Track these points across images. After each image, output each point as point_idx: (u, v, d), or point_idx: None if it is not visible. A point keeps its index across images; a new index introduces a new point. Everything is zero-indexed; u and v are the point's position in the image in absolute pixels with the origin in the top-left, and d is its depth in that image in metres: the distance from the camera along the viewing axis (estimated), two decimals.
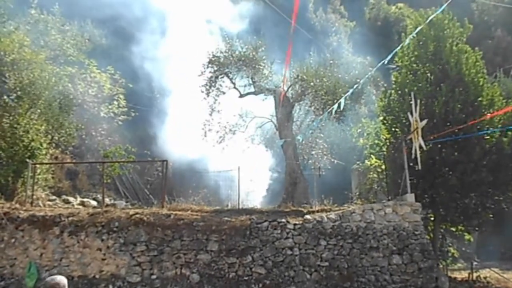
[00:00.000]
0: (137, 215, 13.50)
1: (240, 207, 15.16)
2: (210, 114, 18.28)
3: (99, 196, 18.83)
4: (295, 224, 13.33)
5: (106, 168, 18.23)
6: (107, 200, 19.05)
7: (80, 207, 17.41)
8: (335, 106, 13.92)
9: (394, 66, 19.18)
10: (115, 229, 13.23)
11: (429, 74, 16.68)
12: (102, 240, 13.12)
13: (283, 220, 13.41)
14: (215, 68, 18.18)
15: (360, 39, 37.16)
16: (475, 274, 17.99)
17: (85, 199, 19.85)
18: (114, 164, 19.05)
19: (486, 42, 36.43)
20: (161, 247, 12.96)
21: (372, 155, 20.04)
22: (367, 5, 46.92)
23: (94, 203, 19.27)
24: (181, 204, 15.10)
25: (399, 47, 10.50)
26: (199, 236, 13.04)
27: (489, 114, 15.43)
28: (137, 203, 19.81)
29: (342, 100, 13.39)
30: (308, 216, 13.65)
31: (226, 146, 18.21)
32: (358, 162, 22.19)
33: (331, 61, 18.52)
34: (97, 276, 12.75)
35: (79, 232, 13.19)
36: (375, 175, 19.61)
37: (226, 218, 13.46)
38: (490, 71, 20.98)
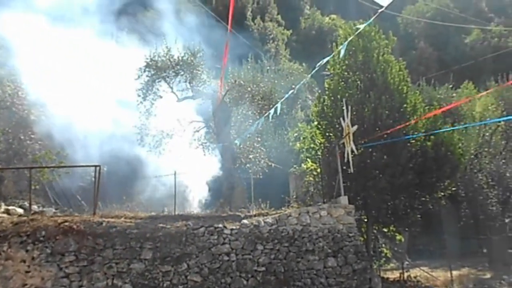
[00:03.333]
0: (66, 223, 12.85)
1: (177, 212, 14.96)
2: (147, 118, 17.94)
3: (27, 203, 17.84)
4: (232, 229, 13.34)
5: (34, 173, 17.30)
6: (35, 207, 18.03)
7: (4, 215, 16.36)
8: (272, 110, 14.20)
9: (328, 73, 19.89)
10: (41, 238, 12.50)
11: (359, 82, 17.52)
12: (27, 250, 12.33)
13: (220, 225, 13.39)
14: (153, 72, 17.90)
15: (296, 47, 38.24)
16: (406, 274, 18.85)
17: (10, 207, 18.62)
18: (44, 169, 18.13)
19: (410, 52, 38.82)
20: (92, 257, 12.42)
21: (308, 159, 20.59)
22: (302, 15, 48.34)
23: (20, 211, 18.14)
24: (115, 210, 14.63)
25: (329, 57, 10.95)
26: (133, 244, 12.67)
27: (413, 120, 16.44)
28: (68, 210, 18.95)
29: (278, 105, 13.67)
30: (245, 221, 13.73)
31: (163, 151, 17.92)
32: (295, 166, 22.69)
33: (268, 67, 18.85)
34: None
35: (1, 243, 12.33)
36: (311, 178, 20.16)
37: (161, 225, 13.20)
38: (414, 79, 22.33)
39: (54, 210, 17.98)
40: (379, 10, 9.70)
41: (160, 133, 17.95)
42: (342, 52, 14.45)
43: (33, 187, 16.56)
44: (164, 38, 19.61)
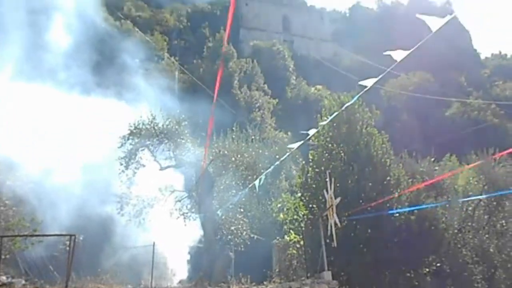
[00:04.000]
0: None
1: (154, 286, 14.30)
2: (128, 187, 17.66)
3: None
4: None
5: (6, 242, 16.58)
6: (3, 278, 17.12)
7: None
8: (256, 182, 14.10)
9: (313, 144, 20.05)
10: None
11: (342, 154, 17.68)
12: None
13: None
14: (136, 141, 17.88)
15: (282, 116, 38.97)
16: None
17: None
18: (16, 238, 17.42)
19: (393, 124, 39.75)
20: None
21: (291, 231, 20.19)
22: (288, 85, 49.80)
23: None
24: (88, 283, 13.96)
25: (312, 134, 11.06)
26: None
27: (397, 193, 16.44)
28: (38, 281, 18.04)
29: (261, 177, 13.60)
30: None
31: (143, 220, 17.47)
32: (278, 238, 22.21)
33: (253, 137, 19.00)
34: None
35: None
36: (294, 251, 19.64)
37: None
38: (397, 151, 22.61)
39: (23, 282, 17.08)
40: (368, 85, 9.85)
41: (141, 202, 17.60)
42: (323, 123, 14.65)
43: (3, 257, 15.81)
44: (148, 105, 19.84)
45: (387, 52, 8.82)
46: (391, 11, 73.15)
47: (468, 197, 19.55)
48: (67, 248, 15.22)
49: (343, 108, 13.66)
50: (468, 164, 21.41)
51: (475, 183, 21.45)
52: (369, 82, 9.32)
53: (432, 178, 19.51)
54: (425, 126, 42.88)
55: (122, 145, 17.80)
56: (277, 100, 42.77)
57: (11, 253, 18.31)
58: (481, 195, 19.49)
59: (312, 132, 11.42)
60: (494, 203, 20.41)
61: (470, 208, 20.80)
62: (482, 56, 74.29)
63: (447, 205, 19.49)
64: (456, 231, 20.45)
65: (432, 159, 22.79)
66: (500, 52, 74.19)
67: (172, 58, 47.77)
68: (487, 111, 46.39)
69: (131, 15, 55.37)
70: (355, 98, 13.10)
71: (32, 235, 18.11)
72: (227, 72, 39.62)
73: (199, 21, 57.90)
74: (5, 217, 18.78)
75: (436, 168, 22.42)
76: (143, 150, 17.91)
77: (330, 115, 18.16)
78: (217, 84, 10.61)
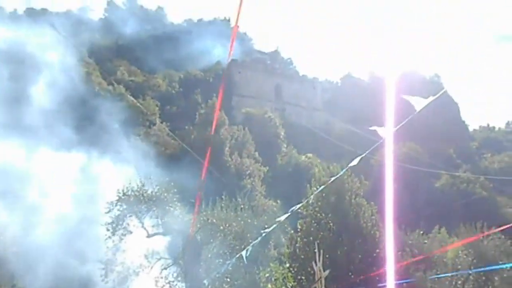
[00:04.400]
0: None
1: None
2: (114, 254, 17.35)
3: None
4: None
5: None
6: None
7: None
8: (243, 252, 13.89)
9: (302, 213, 20.00)
10: None
11: (331, 224, 17.64)
12: None
13: None
14: (124, 207, 17.84)
15: (273, 183, 38.95)
16: None
17: None
18: None
19: (383, 194, 39.80)
20: None
21: None
22: (279, 152, 50.24)
23: None
24: None
25: (300, 205, 11.13)
26: None
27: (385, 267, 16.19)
28: None
29: (249, 248, 13.42)
30: None
31: None
32: None
33: (242, 206, 18.96)
34: None
35: None
36: None
37: None
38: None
39: None
40: (351, 164, 10.05)
41: (126, 269, 17.22)
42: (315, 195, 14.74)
43: None
44: (138, 171, 19.96)
45: (373, 127, 9.12)
46: (382, 82, 75.40)
47: (457, 270, 19.30)
48: None
49: (330, 181, 13.78)
50: (457, 237, 21.36)
51: (464, 256, 21.28)
52: (357, 160, 9.53)
53: (422, 251, 19.39)
54: (415, 197, 43.05)
55: (109, 210, 17.74)
56: (267, 167, 43.05)
57: None
58: (470, 269, 19.26)
59: (299, 204, 11.47)
60: (483, 278, 20.13)
61: (459, 282, 20.48)
62: (471, 128, 75.97)
63: (436, 279, 19.20)
64: None
65: (421, 232, 22.73)
66: (488, 125, 76.24)
67: (164, 124, 48.37)
68: (476, 184, 46.81)
69: (124, 80, 56.72)
70: (343, 171, 13.30)
71: None
72: (218, 139, 40.06)
73: (191, 87, 59.25)
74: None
75: (426, 241, 22.31)
76: (130, 216, 17.84)
77: (320, 185, 18.34)
78: (208, 152, 10.80)
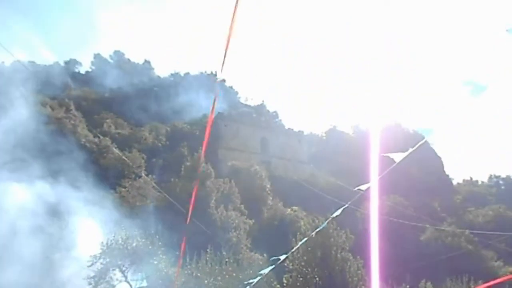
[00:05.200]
0: None
1: None
2: None
3: None
4: None
5: None
6: None
7: None
8: None
9: (288, 266, 19.79)
10: None
11: (317, 279, 17.44)
12: None
13: None
14: (108, 260, 17.55)
15: (258, 236, 38.48)
16: None
17: None
18: None
19: (369, 249, 39.54)
20: None
21: None
22: (265, 205, 50.03)
23: None
24: None
25: (283, 258, 11.07)
26: None
27: None
28: None
29: None
30: None
31: None
32: None
33: (227, 259, 18.74)
34: None
35: None
36: None
37: None
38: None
39: None
40: (338, 211, 10.20)
41: None
42: (301, 250, 14.68)
43: None
44: (122, 224, 19.79)
45: (356, 189, 9.41)
46: (365, 135, 76.86)
47: None
48: None
49: (314, 233, 13.82)
50: None
51: None
52: (339, 210, 9.68)
53: None
54: (401, 251, 42.80)
55: (92, 264, 17.41)
56: (253, 220, 42.71)
57: None
58: None
59: (283, 256, 11.42)
60: None
61: None
62: (454, 182, 76.63)
63: None
64: None
65: (408, 287, 22.51)
66: (471, 178, 77.02)
67: (149, 176, 48.15)
68: (461, 237, 46.84)
69: (111, 132, 56.94)
70: (326, 222, 13.35)
71: None
72: (204, 192, 39.83)
73: (178, 140, 59.46)
74: None
75: None
76: (114, 270, 17.50)
77: (305, 239, 18.28)
78: (192, 204, 10.83)
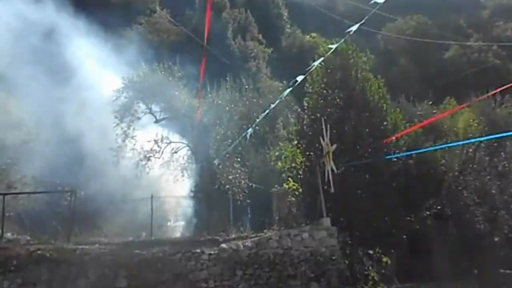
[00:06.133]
0: (39, 251, 12.42)
1: (153, 237, 14.47)
2: (123, 140, 17.56)
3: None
4: (210, 254, 12.89)
5: (9, 200, 16.69)
6: (9, 235, 17.38)
7: None
8: (249, 130, 13.95)
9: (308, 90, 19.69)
10: (12, 268, 12.01)
11: (338, 100, 17.37)
12: None
13: (198, 250, 12.94)
14: (131, 94, 17.68)
15: (277, 65, 38.19)
16: None
17: None
18: (18, 196, 17.54)
19: (391, 69, 39.05)
20: (65, 286, 11.91)
21: (290, 179, 20.21)
22: (283, 33, 48.63)
23: None
24: (90, 236, 14.14)
25: (302, 78, 10.69)
26: (107, 272, 12.18)
27: (394, 137, 16.25)
28: (43, 237, 18.38)
29: (254, 125, 13.43)
30: (223, 245, 13.26)
31: (140, 173, 17.48)
32: (277, 186, 22.27)
33: (247, 86, 18.66)
34: None
35: None
36: (293, 199, 19.73)
37: (136, 251, 12.74)
38: (395, 96, 22.23)
39: (28, 238, 17.34)
40: (354, 27, 9.53)
41: (137, 155, 17.54)
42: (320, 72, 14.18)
43: (7, 214, 15.98)
44: (142, 58, 19.46)
45: (372, 1, 8.65)
46: None
47: (469, 139, 19.30)
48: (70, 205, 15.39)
49: (330, 51, 13.12)
50: (468, 107, 21.06)
51: (476, 125, 21.20)
52: (355, 27, 9.02)
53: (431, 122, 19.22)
54: (424, 70, 42.13)
55: (116, 98, 17.63)
56: (272, 49, 41.90)
57: (15, 210, 18.54)
58: (481, 137, 19.22)
59: (301, 78, 11.09)
60: (495, 144, 20.17)
61: (470, 150, 20.63)
62: None
63: (447, 148, 19.33)
64: (456, 173, 20.38)
65: (430, 102, 22.44)
66: None
67: (164, 11, 46.34)
68: (488, 53, 45.40)
69: None
70: (341, 41, 12.56)
71: (32, 192, 18.25)
72: (220, 23, 38.60)
73: None
74: (6, 175, 18.88)
75: (435, 111, 22.11)
76: (138, 103, 17.76)
77: (324, 62, 17.74)
78: (207, 27, 10.16)
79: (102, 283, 12.02)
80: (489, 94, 18.18)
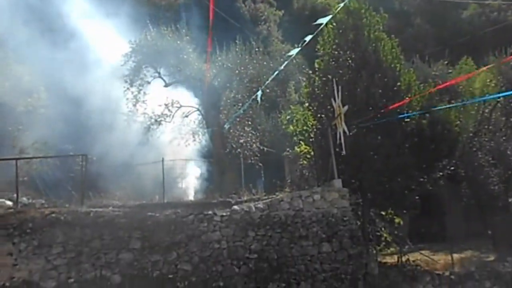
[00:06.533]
0: (54, 215, 12.59)
1: (166, 200, 14.62)
2: (134, 105, 17.56)
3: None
4: (222, 216, 13.00)
5: (23, 165, 16.94)
6: (24, 199, 17.72)
7: None
8: (259, 93, 13.79)
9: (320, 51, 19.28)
10: (28, 230, 12.21)
11: (350, 61, 16.93)
12: (14, 243, 12.01)
13: (210, 212, 13.05)
14: (139, 58, 17.55)
15: (289, 28, 37.39)
16: (404, 258, 18.17)
17: None
18: (32, 160, 17.79)
19: (407, 30, 37.97)
20: (80, 248, 12.12)
21: (301, 142, 20.11)
22: None
23: (9, 203, 17.80)
24: (103, 200, 14.33)
25: (310, 38, 10.35)
26: (121, 234, 12.35)
27: (407, 98, 15.93)
28: (57, 201, 18.73)
29: (263, 87, 13.25)
30: (235, 207, 13.36)
31: (151, 137, 17.56)
32: (288, 149, 22.23)
33: (257, 49, 18.34)
34: (7, 284, 11.66)
35: None
36: (305, 162, 19.71)
37: (150, 213, 12.87)
38: (410, 57, 21.65)
39: (42, 202, 17.66)
40: None
41: (148, 119, 17.56)
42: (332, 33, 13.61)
43: (21, 179, 16.23)
44: (150, 23, 19.17)
45: None
46: None
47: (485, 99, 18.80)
48: (82, 169, 15.52)
49: (339, 8, 12.69)
50: (485, 66, 20.41)
51: (493, 85, 20.62)
52: None
53: (446, 82, 18.77)
54: (440, 31, 40.83)
55: (125, 62, 17.53)
56: (283, 11, 40.97)
57: (29, 175, 18.83)
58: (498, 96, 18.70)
59: (309, 37, 10.80)
60: None
61: (486, 111, 20.16)
62: None
63: (462, 108, 18.90)
64: (471, 134, 20.03)
65: (446, 62, 21.79)
66: None
67: None
68: (507, 12, 43.73)
69: None
70: None
71: (44, 157, 18.47)
72: None
73: None
74: (19, 141, 19.09)
75: (451, 71, 21.50)
76: (146, 67, 17.64)
77: (335, 22, 17.28)
78: None
79: (116, 245, 12.23)
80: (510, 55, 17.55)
